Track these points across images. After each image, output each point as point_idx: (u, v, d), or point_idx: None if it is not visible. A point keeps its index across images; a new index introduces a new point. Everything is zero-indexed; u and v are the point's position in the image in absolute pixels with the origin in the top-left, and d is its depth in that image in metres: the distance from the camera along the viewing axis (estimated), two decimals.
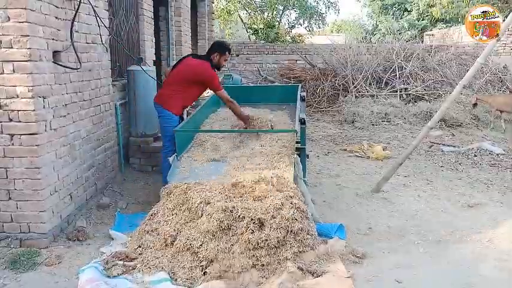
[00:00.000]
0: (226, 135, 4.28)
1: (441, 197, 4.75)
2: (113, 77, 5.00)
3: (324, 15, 21.08)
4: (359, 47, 11.30)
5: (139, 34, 5.99)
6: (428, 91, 9.71)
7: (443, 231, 3.87)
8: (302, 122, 4.17)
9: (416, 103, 9.27)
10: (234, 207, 3.16)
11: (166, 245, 3.19)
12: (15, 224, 3.44)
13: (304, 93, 5.79)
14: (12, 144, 3.32)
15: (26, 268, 3.15)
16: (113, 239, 3.63)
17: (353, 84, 9.81)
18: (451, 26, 16.53)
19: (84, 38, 4.12)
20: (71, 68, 3.80)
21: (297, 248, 3.08)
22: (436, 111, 5.74)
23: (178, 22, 8.18)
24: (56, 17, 3.59)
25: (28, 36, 3.18)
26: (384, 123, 8.44)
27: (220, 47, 4.59)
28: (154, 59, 6.51)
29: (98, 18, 4.24)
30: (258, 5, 20.78)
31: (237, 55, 13.37)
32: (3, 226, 3.45)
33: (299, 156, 3.87)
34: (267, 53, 13.49)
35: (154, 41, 6.54)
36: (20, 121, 3.29)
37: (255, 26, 19.34)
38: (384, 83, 10.06)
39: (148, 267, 3.04)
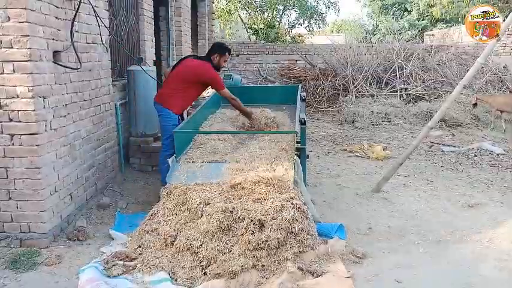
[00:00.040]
0: (225, 138, 4.28)
1: (441, 197, 4.75)
2: (113, 77, 5.00)
3: (324, 15, 21.08)
4: (359, 47, 11.29)
5: (140, 34, 6.00)
6: (429, 91, 9.71)
7: (443, 231, 3.87)
8: (302, 122, 4.17)
9: (416, 103, 9.27)
10: (234, 208, 3.16)
11: (166, 245, 3.19)
12: (16, 223, 3.45)
13: (304, 93, 5.79)
14: (13, 144, 3.33)
15: (26, 268, 3.15)
16: (113, 239, 3.63)
17: (353, 84, 9.81)
18: (451, 26, 16.53)
19: (84, 38, 4.12)
20: (71, 68, 3.80)
21: (297, 248, 3.08)
22: (436, 111, 5.74)
23: (178, 22, 8.18)
24: (56, 17, 3.59)
25: (28, 36, 3.18)
26: (384, 123, 8.44)
27: (220, 48, 4.63)
28: (155, 59, 6.51)
29: (98, 18, 4.24)
30: (258, 5, 20.78)
31: (237, 55, 13.37)
32: (3, 226, 3.46)
33: (299, 156, 3.87)
34: (267, 53, 13.49)
35: (154, 41, 6.54)
36: (20, 121, 3.29)
37: (255, 26, 19.35)
38: (384, 83, 10.06)
39: (149, 267, 3.05)
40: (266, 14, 20.51)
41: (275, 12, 20.30)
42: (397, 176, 5.21)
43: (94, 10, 4.16)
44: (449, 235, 3.79)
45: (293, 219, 3.11)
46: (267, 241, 3.00)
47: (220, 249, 3.03)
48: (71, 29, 3.74)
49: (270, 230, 3.04)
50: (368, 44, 12.93)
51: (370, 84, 9.94)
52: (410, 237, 3.77)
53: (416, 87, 9.78)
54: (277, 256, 3.02)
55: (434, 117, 4.87)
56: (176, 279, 2.95)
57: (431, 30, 18.08)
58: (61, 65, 3.65)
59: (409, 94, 9.75)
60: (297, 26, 21.18)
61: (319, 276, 2.97)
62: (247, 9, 20.98)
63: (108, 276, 2.98)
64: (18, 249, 3.38)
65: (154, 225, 3.35)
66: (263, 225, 3.08)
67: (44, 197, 3.43)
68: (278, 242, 3.03)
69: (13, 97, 3.26)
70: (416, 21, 19.88)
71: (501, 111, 8.11)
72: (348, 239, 3.60)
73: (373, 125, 8.30)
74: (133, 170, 5.33)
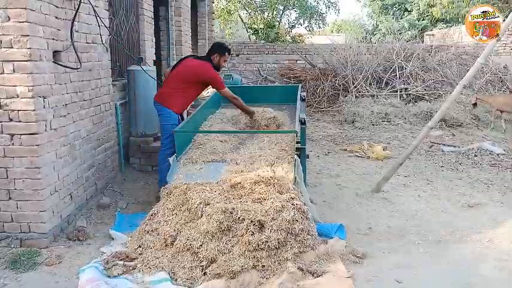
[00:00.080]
0: (226, 137, 4.28)
1: (441, 197, 4.75)
2: (113, 77, 5.00)
3: (324, 15, 21.07)
4: (359, 47, 11.29)
5: (140, 34, 6.00)
6: (429, 91, 9.71)
7: (443, 231, 3.87)
8: (302, 122, 4.17)
9: (416, 103, 9.27)
10: (233, 208, 3.16)
11: (166, 245, 3.19)
12: (16, 223, 3.45)
13: (304, 93, 5.79)
14: (13, 144, 3.33)
15: (26, 268, 3.15)
16: (113, 239, 3.63)
17: (353, 84, 9.81)
18: (451, 26, 16.53)
19: (84, 38, 4.12)
20: (71, 68, 3.80)
21: (297, 249, 3.08)
22: (437, 111, 5.74)
23: (178, 22, 8.18)
24: (56, 17, 3.59)
25: (28, 36, 3.18)
26: (384, 123, 8.44)
27: (220, 48, 4.65)
28: (155, 58, 6.51)
29: (98, 18, 4.24)
30: (258, 5, 20.78)
31: (237, 55, 13.37)
32: (3, 226, 3.46)
33: (299, 156, 3.87)
34: (267, 53, 13.49)
35: (154, 40, 6.54)
36: (20, 121, 3.29)
37: (255, 26, 19.34)
38: (384, 83, 10.06)
39: (149, 267, 3.04)
40: (266, 14, 20.51)
41: (275, 12, 20.30)
42: (397, 176, 5.21)
43: (94, 10, 4.16)
44: (449, 235, 3.79)
45: (293, 220, 3.11)
46: (267, 242, 3.00)
47: (220, 249, 3.03)
48: (71, 28, 3.74)
49: (270, 231, 3.04)
50: (368, 44, 12.93)
51: (370, 84, 9.94)
52: (410, 237, 3.77)
53: (417, 87, 9.78)
54: (277, 256, 3.02)
55: (434, 117, 4.87)
56: (176, 280, 2.95)
57: (432, 30, 18.08)
58: (61, 65, 3.65)
59: (409, 94, 9.75)
60: (297, 26, 21.19)
61: (319, 276, 2.97)
62: (247, 9, 20.98)
63: (108, 276, 2.98)
64: (18, 249, 3.38)
65: (155, 225, 3.35)
66: (263, 226, 3.08)
67: (44, 197, 3.43)
68: (278, 242, 3.02)
69: (13, 97, 3.26)
70: (417, 21, 19.88)
71: (501, 111, 8.11)
72: (348, 239, 3.60)
73: (373, 125, 8.30)
74: (133, 170, 5.33)
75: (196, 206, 3.25)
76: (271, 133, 4.28)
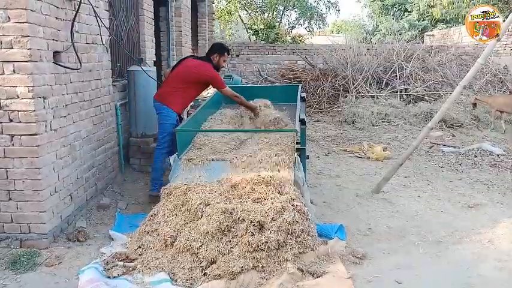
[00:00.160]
0: (226, 137, 4.28)
1: (441, 197, 4.75)
2: (113, 78, 5.00)
3: (324, 15, 21.13)
4: (359, 48, 11.30)
5: (140, 34, 6.00)
6: (429, 92, 9.71)
7: (443, 231, 3.87)
8: (302, 122, 4.17)
9: (416, 104, 9.27)
10: (233, 209, 3.16)
11: (166, 246, 3.19)
12: (16, 224, 3.44)
13: (304, 94, 5.79)
14: (13, 144, 3.32)
15: (26, 269, 3.15)
16: (113, 239, 3.63)
17: (353, 84, 9.81)
18: (451, 27, 16.52)
19: (85, 39, 4.12)
20: (71, 69, 3.80)
21: (297, 249, 3.08)
22: (437, 111, 5.74)
23: (178, 22, 8.19)
24: (56, 18, 3.59)
25: (28, 36, 3.18)
26: (384, 123, 8.43)
27: (220, 48, 4.68)
28: (155, 59, 6.52)
29: (98, 18, 4.24)
30: (258, 6, 20.80)
31: (237, 56, 13.38)
32: (3, 226, 3.45)
33: (299, 156, 3.87)
34: (267, 53, 13.49)
35: (154, 41, 6.54)
36: (20, 121, 3.29)
37: (255, 27, 19.37)
38: (384, 83, 10.06)
39: (149, 268, 3.04)
40: (266, 14, 20.53)
41: (275, 13, 20.33)
42: (397, 176, 5.21)
43: (94, 10, 4.16)
44: (449, 236, 3.79)
45: (294, 221, 3.11)
46: (266, 242, 3.00)
47: (220, 250, 3.03)
48: (71, 29, 3.74)
49: (270, 232, 3.04)
50: (368, 44, 12.94)
51: (370, 84, 9.94)
52: (410, 237, 3.77)
53: (417, 87, 9.79)
54: (277, 257, 3.02)
55: (434, 117, 4.87)
56: (176, 280, 2.95)
57: (432, 30, 18.06)
58: (61, 66, 3.65)
59: (409, 95, 9.75)
60: (297, 26, 21.22)
61: (319, 277, 2.97)
62: (248, 9, 21.00)
63: (108, 277, 2.98)
64: (18, 250, 3.38)
65: (154, 225, 3.35)
66: (263, 227, 3.08)
67: (44, 198, 3.42)
68: (278, 243, 3.02)
69: (13, 97, 3.26)
70: (417, 22, 19.86)
71: (501, 112, 8.12)
72: (348, 240, 3.60)
73: (373, 125, 8.29)
74: (133, 171, 5.32)
75: (196, 206, 3.25)
76: (271, 132, 4.28)
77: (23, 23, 3.16)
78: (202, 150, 3.97)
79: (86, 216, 4.06)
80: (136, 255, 3.20)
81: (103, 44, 4.49)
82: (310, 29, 21.17)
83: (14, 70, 3.22)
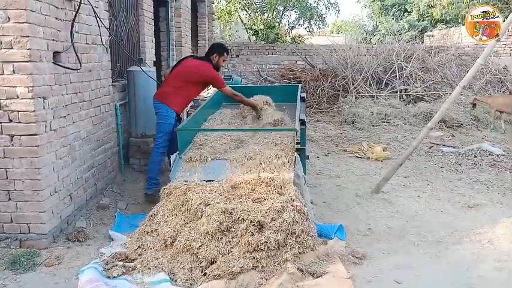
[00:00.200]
0: (226, 137, 4.28)
1: (441, 197, 4.75)
2: (113, 78, 5.00)
3: (324, 15, 21.14)
4: (359, 48, 11.31)
5: (140, 35, 6.00)
6: (428, 92, 9.72)
7: (443, 231, 3.87)
8: (302, 122, 4.17)
9: (416, 104, 9.28)
10: (233, 209, 3.16)
11: (166, 246, 3.19)
12: (15, 224, 3.44)
13: (304, 94, 5.79)
14: (12, 145, 3.32)
15: (25, 269, 3.15)
16: (112, 239, 3.63)
17: (353, 85, 9.81)
18: (451, 27, 16.52)
19: (84, 39, 4.12)
20: (71, 69, 3.80)
21: (297, 250, 3.08)
22: (436, 112, 5.74)
23: (178, 23, 8.19)
24: (56, 18, 3.59)
25: (28, 37, 3.18)
26: (384, 124, 8.44)
27: (219, 48, 4.71)
28: (155, 59, 6.51)
29: (98, 19, 4.24)
30: (258, 6, 20.80)
31: (237, 56, 13.38)
32: (3, 227, 3.45)
33: (299, 156, 3.87)
34: (267, 53, 13.49)
35: (154, 41, 6.54)
36: (20, 122, 3.29)
37: (255, 27, 19.37)
38: (384, 83, 10.07)
39: (148, 268, 3.04)
40: (266, 14, 20.53)
41: (275, 13, 20.33)
42: (396, 176, 5.21)
43: (94, 11, 4.17)
44: (449, 236, 3.79)
45: (293, 221, 3.11)
46: (266, 242, 3.00)
47: (220, 250, 3.03)
48: (71, 29, 3.74)
49: (270, 232, 3.04)
50: (368, 44, 12.95)
51: (370, 85, 9.94)
52: (410, 237, 3.77)
53: (416, 88, 9.79)
54: (277, 257, 3.02)
55: (434, 118, 4.87)
56: (176, 280, 2.95)
57: (431, 31, 18.06)
58: (61, 66, 3.65)
59: (409, 95, 9.76)
60: (297, 26, 21.23)
61: (319, 277, 2.97)
62: (247, 10, 21.01)
63: (108, 277, 2.98)
64: (18, 250, 3.38)
65: (154, 226, 3.35)
66: (263, 227, 3.08)
67: (44, 198, 3.42)
68: (278, 243, 3.02)
69: (13, 98, 3.26)
70: (416, 22, 19.86)
71: (500, 112, 8.12)
72: (348, 240, 3.60)
73: (373, 125, 8.30)
74: (133, 171, 5.32)
75: (196, 206, 3.25)
76: (271, 131, 4.28)
77: (22, 23, 3.16)
78: (203, 150, 3.97)
79: (85, 217, 4.06)
80: (136, 256, 3.20)
81: (103, 44, 4.49)
82: (310, 29, 21.17)
83: (13, 70, 3.22)
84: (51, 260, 3.27)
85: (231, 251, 3.03)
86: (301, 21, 20.97)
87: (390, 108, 8.92)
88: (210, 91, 6.55)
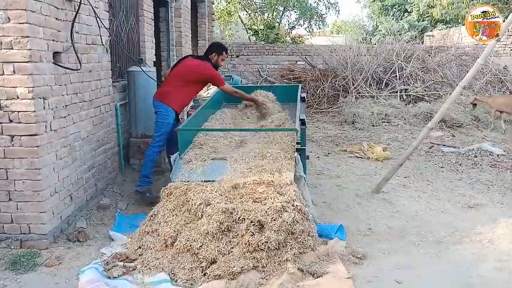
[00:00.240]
0: (226, 137, 4.28)
1: (441, 197, 4.75)
2: (113, 78, 5.00)
3: (324, 16, 21.14)
4: (359, 48, 11.31)
5: (140, 35, 6.00)
6: (429, 92, 9.71)
7: (443, 231, 3.87)
8: (302, 122, 4.17)
9: (416, 104, 9.28)
10: (234, 209, 3.16)
11: (166, 246, 3.19)
12: (16, 225, 3.44)
13: (304, 94, 5.79)
14: (13, 145, 3.33)
15: (26, 269, 3.15)
16: (113, 240, 3.63)
17: (353, 85, 9.81)
18: (451, 27, 16.52)
19: (85, 39, 4.13)
20: (71, 69, 3.80)
21: (297, 250, 3.08)
22: (436, 112, 5.74)
23: (178, 23, 8.19)
24: (56, 18, 3.59)
25: (28, 37, 3.19)
26: (384, 124, 8.44)
27: (218, 48, 4.76)
28: (155, 60, 6.52)
29: (98, 19, 4.25)
30: (258, 6, 20.81)
31: (237, 56, 13.38)
32: (3, 227, 3.45)
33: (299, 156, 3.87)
34: (267, 53, 13.49)
35: (154, 42, 6.55)
36: (20, 122, 3.29)
37: (255, 27, 19.38)
38: (384, 83, 10.07)
39: (149, 268, 3.05)
40: (266, 15, 20.54)
41: (275, 13, 20.34)
42: (397, 176, 5.21)
43: (94, 11, 4.17)
44: (450, 236, 3.79)
45: (294, 221, 3.11)
46: (267, 242, 3.00)
47: (221, 250, 3.03)
48: (71, 30, 3.75)
49: (270, 232, 3.04)
50: (368, 44, 12.95)
51: (370, 85, 9.94)
52: (410, 237, 3.77)
53: (416, 88, 9.79)
54: (277, 257, 3.02)
55: (434, 118, 4.87)
56: (176, 280, 2.95)
57: (431, 31, 18.06)
58: (61, 66, 3.65)
59: (409, 95, 9.75)
60: (297, 26, 21.23)
61: (319, 277, 2.97)
62: (247, 10, 21.01)
63: (109, 277, 2.98)
64: (18, 250, 3.38)
65: (155, 226, 3.35)
66: (263, 227, 3.08)
67: (44, 198, 3.42)
68: (278, 243, 3.02)
69: (13, 98, 3.26)
70: (416, 22, 19.86)
71: (500, 112, 8.12)
72: (348, 240, 3.60)
73: (373, 125, 8.30)
74: (133, 171, 5.32)
75: (196, 206, 3.24)
76: (272, 131, 4.28)
77: (23, 23, 3.16)
78: (203, 150, 3.97)
79: (86, 217, 4.06)
80: (137, 256, 3.20)
81: (103, 44, 4.49)
82: (310, 30, 21.18)
83: (14, 71, 3.22)
84: (52, 260, 3.27)
85: (232, 251, 3.03)
86: (301, 22, 20.98)
87: (390, 108, 8.92)
88: (210, 91, 6.55)
